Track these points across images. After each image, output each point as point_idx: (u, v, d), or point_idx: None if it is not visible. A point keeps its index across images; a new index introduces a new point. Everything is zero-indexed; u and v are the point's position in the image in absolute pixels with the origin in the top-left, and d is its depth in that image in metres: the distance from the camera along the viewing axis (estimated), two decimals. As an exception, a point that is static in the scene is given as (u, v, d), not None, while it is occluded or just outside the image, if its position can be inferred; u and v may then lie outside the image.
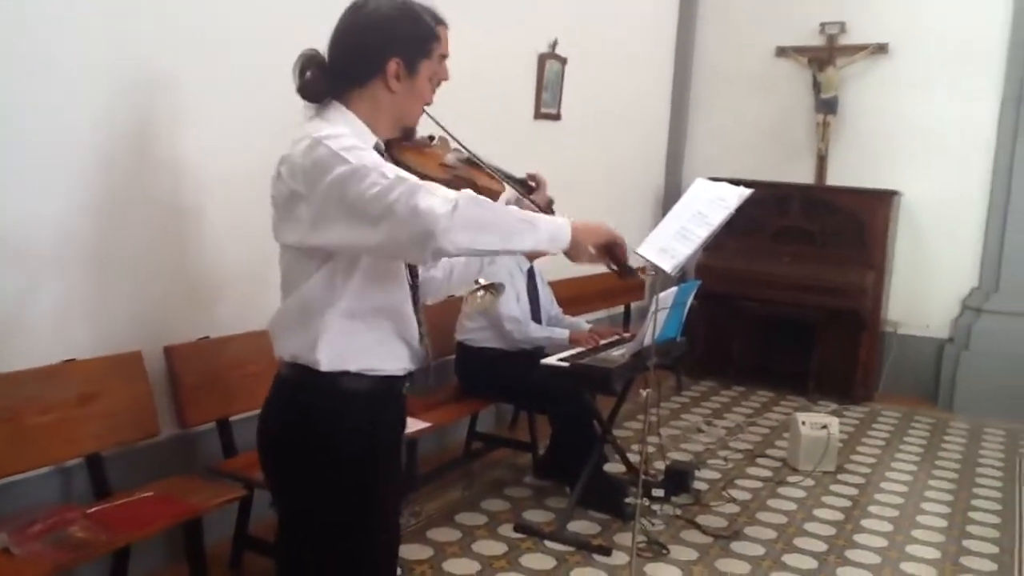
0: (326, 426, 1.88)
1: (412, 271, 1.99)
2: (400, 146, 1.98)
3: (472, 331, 4.33)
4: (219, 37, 3.35)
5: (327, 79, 1.86)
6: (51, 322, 2.91)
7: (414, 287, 1.99)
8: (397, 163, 1.91)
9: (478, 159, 2.03)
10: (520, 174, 2.15)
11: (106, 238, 3.05)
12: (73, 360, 2.93)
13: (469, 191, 1.74)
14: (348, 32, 1.88)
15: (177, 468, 3.26)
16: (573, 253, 1.86)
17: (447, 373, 4.58)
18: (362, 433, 1.90)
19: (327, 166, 1.71)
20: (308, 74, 1.86)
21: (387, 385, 1.94)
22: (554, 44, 5.65)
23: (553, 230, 1.80)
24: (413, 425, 3.83)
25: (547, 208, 2.15)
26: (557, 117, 5.79)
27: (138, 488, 2.99)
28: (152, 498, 2.92)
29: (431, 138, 2.05)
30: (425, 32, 1.89)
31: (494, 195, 2.03)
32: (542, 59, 5.59)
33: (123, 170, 3.09)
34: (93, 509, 2.78)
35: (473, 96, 4.79)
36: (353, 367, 1.87)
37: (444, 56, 1.95)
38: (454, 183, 1.93)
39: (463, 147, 2.02)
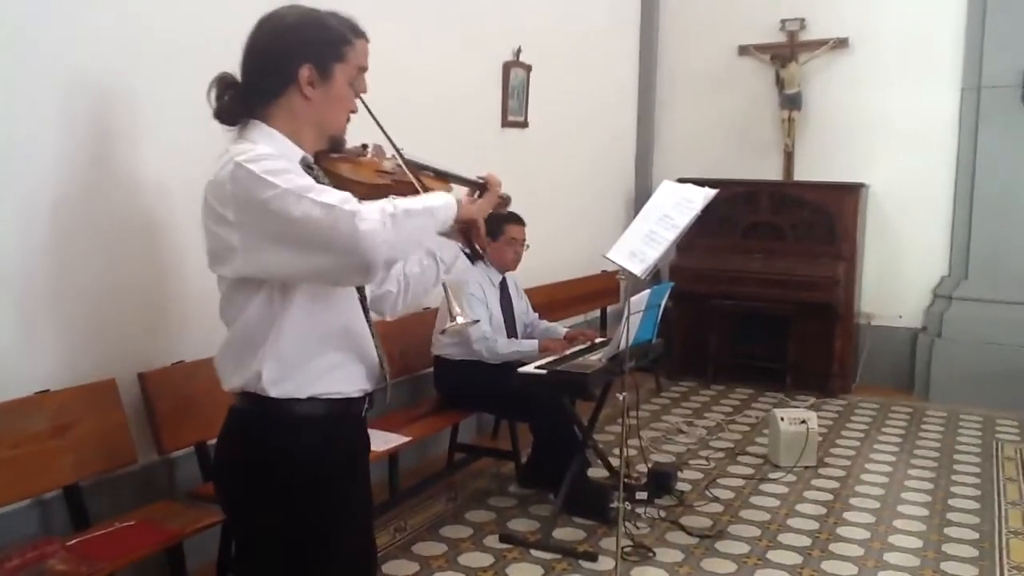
0: (278, 453, 1.82)
1: (359, 287, 1.93)
2: (330, 158, 1.91)
3: (447, 346, 4.32)
4: (177, 48, 3.31)
5: (242, 98, 1.82)
6: (21, 353, 2.87)
7: (363, 303, 1.94)
8: (329, 175, 1.87)
9: (419, 161, 1.97)
10: (469, 174, 2.07)
11: (71, 264, 3.01)
12: (46, 391, 2.89)
13: (386, 202, 1.70)
14: (256, 46, 1.83)
15: (156, 494, 3.23)
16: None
17: (426, 386, 4.58)
18: (315, 459, 1.83)
19: (253, 192, 1.65)
20: (224, 97, 1.83)
21: (343, 408, 1.88)
22: (518, 52, 5.67)
23: (446, 213, 1.83)
24: (392, 440, 3.82)
25: (503, 206, 2.09)
26: (524, 124, 5.80)
27: (118, 517, 2.95)
28: (132, 526, 2.89)
29: (364, 146, 1.98)
30: (334, 36, 1.84)
31: None
32: (507, 67, 5.60)
33: (84, 191, 3.04)
34: (73, 541, 2.75)
35: (439, 106, 4.80)
36: (304, 392, 1.81)
37: (363, 68, 1.91)
38: (395, 189, 1.90)
39: (399, 151, 1.94)
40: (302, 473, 1.83)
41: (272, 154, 1.72)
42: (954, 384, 6.32)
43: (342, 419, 1.89)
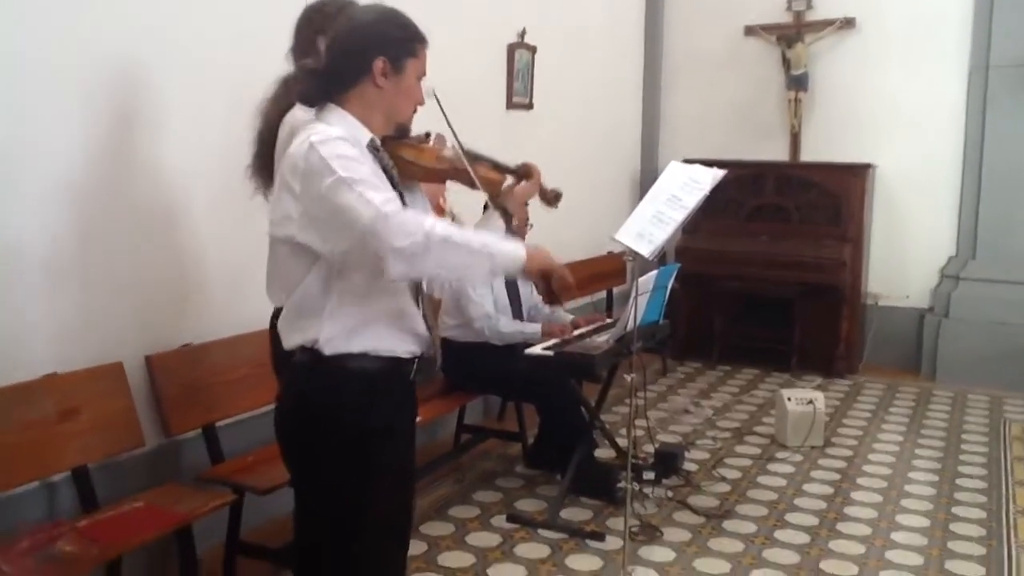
0: (325, 404, 1.99)
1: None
2: (395, 143, 2.09)
3: (452, 328, 4.31)
4: (194, 35, 3.31)
5: (322, 84, 2.02)
6: (28, 336, 2.88)
7: (418, 295, 2.08)
8: (394, 158, 2.05)
9: (476, 152, 2.17)
10: (513, 163, 2.27)
11: (78, 248, 3.02)
12: (54, 374, 2.90)
13: (438, 221, 1.87)
14: (337, 38, 2.05)
15: (165, 477, 3.24)
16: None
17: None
18: (361, 410, 1.99)
19: (316, 174, 1.84)
20: (307, 83, 2.06)
21: (392, 366, 2.03)
22: (522, 33, 5.63)
23: (507, 262, 1.94)
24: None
25: (554, 200, 2.33)
26: (529, 106, 5.77)
27: (126, 499, 2.96)
28: (141, 508, 2.90)
29: (427, 135, 2.18)
30: (410, 33, 2.04)
31: (494, 186, 2.21)
32: (511, 49, 5.57)
33: (96, 177, 3.05)
34: (82, 523, 2.76)
35: (444, 89, 4.77)
36: (356, 348, 1.97)
37: (421, 75, 2.07)
38: (450, 175, 2.17)
39: (459, 142, 2.14)
40: (349, 425, 1.99)
41: (344, 137, 1.91)
42: (961, 364, 6.30)
43: (390, 376, 2.03)
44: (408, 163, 2.09)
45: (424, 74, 2.09)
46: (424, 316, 2.10)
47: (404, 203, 1.99)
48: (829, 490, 4.33)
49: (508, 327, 4.26)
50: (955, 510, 4.11)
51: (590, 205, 6.53)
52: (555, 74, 5.95)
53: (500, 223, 2.23)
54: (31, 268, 2.87)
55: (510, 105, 5.61)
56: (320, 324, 1.95)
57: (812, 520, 3.97)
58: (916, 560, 3.60)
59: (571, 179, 6.22)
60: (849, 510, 4.09)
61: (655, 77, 7.63)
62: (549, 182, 2.33)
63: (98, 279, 3.09)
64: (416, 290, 2.08)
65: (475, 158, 2.18)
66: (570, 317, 4.59)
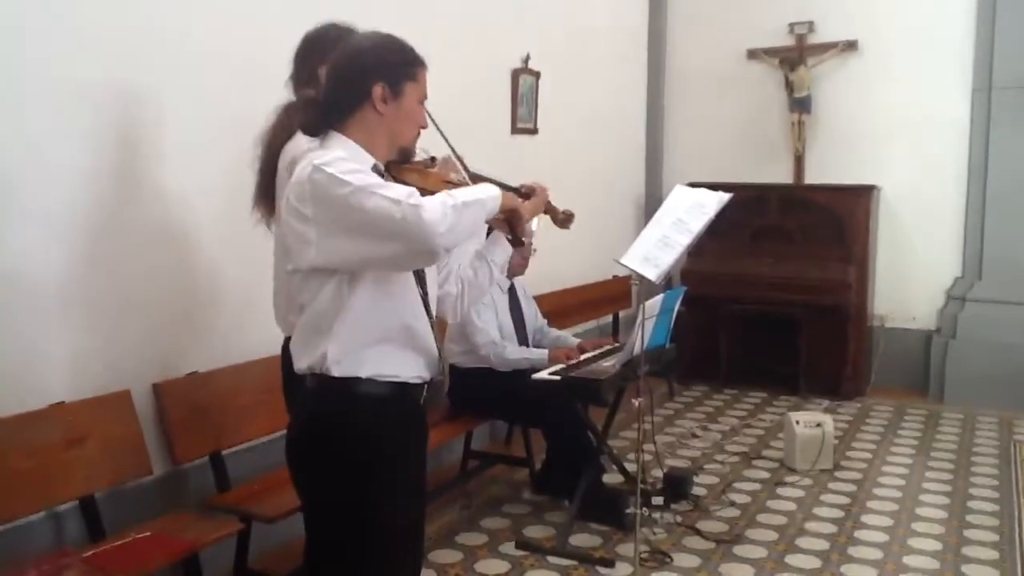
0: (334, 428, 2.00)
1: (421, 282, 2.08)
2: (400, 168, 2.10)
3: (458, 355, 4.30)
4: (196, 59, 3.34)
5: (323, 113, 2.04)
6: (35, 365, 2.88)
7: (425, 298, 2.09)
8: (398, 182, 2.03)
9: (480, 174, 2.19)
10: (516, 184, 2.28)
11: (85, 277, 3.02)
12: (61, 403, 2.89)
13: (444, 195, 1.90)
14: (336, 66, 2.06)
15: (172, 505, 3.23)
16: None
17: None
18: (370, 435, 2.00)
19: (330, 190, 1.85)
20: (308, 113, 2.06)
21: (401, 392, 2.03)
22: (526, 59, 5.67)
23: (494, 204, 2.02)
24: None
25: (565, 222, 2.38)
26: (534, 131, 5.80)
27: (133, 528, 2.95)
28: (148, 537, 2.88)
29: (432, 159, 2.18)
30: (408, 57, 2.05)
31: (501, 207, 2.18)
32: (515, 74, 5.61)
33: (101, 203, 3.06)
34: (89, 552, 2.74)
35: (449, 114, 4.77)
36: (365, 372, 1.98)
37: (422, 98, 2.09)
38: None
39: (463, 165, 2.18)
40: (360, 448, 2.00)
41: (345, 158, 1.92)
42: (969, 386, 6.27)
43: (399, 401, 2.04)
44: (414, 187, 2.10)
45: (425, 97, 2.10)
46: (432, 329, 2.09)
47: None
48: (840, 514, 4.29)
49: (514, 354, 4.24)
50: (967, 533, 4.07)
51: (595, 229, 6.53)
52: (559, 99, 5.98)
53: (506, 246, 2.26)
54: (38, 296, 2.87)
55: (514, 130, 5.63)
56: (328, 340, 1.96)
57: (823, 544, 3.94)
58: (929, 584, 3.57)
59: (576, 203, 6.21)
60: (860, 534, 4.06)
61: (658, 101, 7.66)
62: (558, 205, 2.34)
63: (104, 306, 3.09)
64: (426, 307, 2.09)
65: (481, 179, 2.19)
66: (576, 341, 4.58)
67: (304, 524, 2.13)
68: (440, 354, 2.12)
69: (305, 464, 2.07)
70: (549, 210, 2.31)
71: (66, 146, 2.94)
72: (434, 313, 2.14)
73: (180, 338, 3.38)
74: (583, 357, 4.21)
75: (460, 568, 3.68)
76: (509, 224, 2.17)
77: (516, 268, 4.44)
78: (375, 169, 2.01)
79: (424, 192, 2.05)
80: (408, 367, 2.05)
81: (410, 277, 2.05)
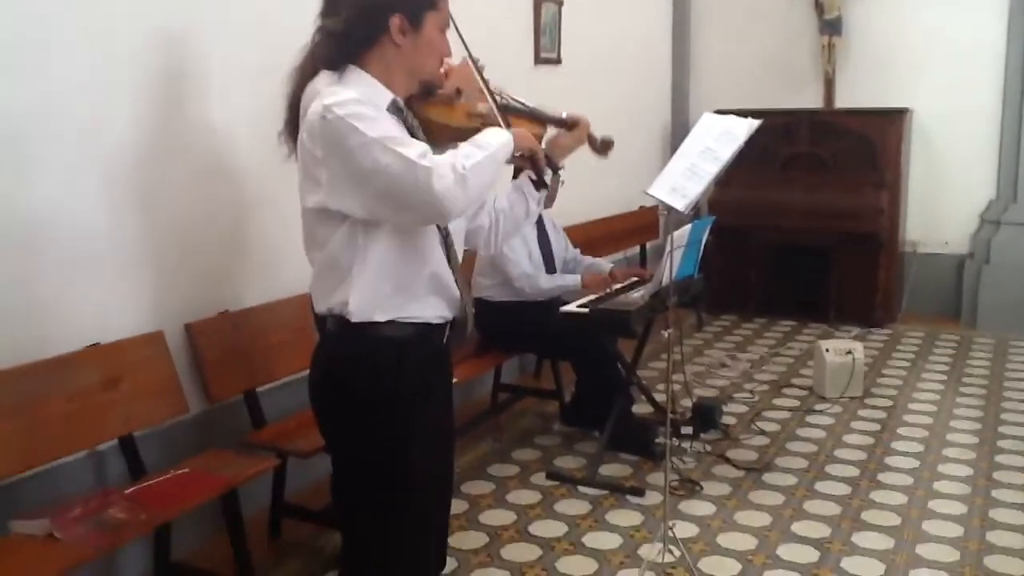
0: (358, 372, 1.97)
1: (446, 239, 2.02)
2: (422, 103, 2.01)
3: (488, 288, 4.31)
4: (248, 11, 3.31)
5: (340, 46, 1.93)
6: (70, 309, 2.91)
7: (446, 238, 2.02)
8: (421, 121, 1.98)
9: (512, 103, 2.09)
10: (558, 113, 2.19)
11: (115, 220, 3.03)
12: (96, 344, 2.94)
13: (456, 158, 1.82)
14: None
15: (209, 443, 3.28)
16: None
17: (468, 328, 4.58)
18: (391, 378, 1.96)
19: (341, 136, 1.78)
20: (325, 46, 1.95)
21: (424, 333, 2.00)
22: (549, -14, 5.54)
23: (506, 152, 1.94)
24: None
25: (603, 149, 2.28)
26: (558, 61, 5.70)
27: (172, 466, 3.01)
28: (187, 474, 2.95)
29: (458, 91, 2.06)
30: None
31: (537, 139, 2.11)
32: (538, 3, 5.48)
33: (133, 146, 3.06)
34: (131, 490, 2.80)
35: (471, 46, 4.72)
36: (384, 316, 1.94)
37: (444, 26, 2.00)
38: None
39: (490, 93, 2.05)
40: (379, 391, 1.97)
41: (359, 99, 1.83)
42: (1002, 311, 6.21)
43: (420, 343, 2.00)
44: (436, 124, 2.01)
45: (448, 25, 2.01)
46: (455, 279, 2.05)
47: None
48: (870, 441, 4.30)
49: (548, 283, 4.25)
50: (998, 458, 4.07)
51: (621, 160, 6.39)
52: (582, 28, 5.86)
53: (532, 188, 2.18)
54: (70, 240, 2.89)
55: (538, 60, 5.53)
56: (348, 289, 1.92)
57: (853, 471, 3.95)
58: (960, 509, 3.58)
59: (601, 133, 6.19)
60: (890, 460, 4.07)
61: (684, 27, 7.48)
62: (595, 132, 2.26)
63: (136, 248, 3.11)
64: (447, 249, 2.03)
65: (512, 111, 2.09)
66: (609, 267, 4.56)
67: (333, 467, 2.12)
68: (462, 295, 2.07)
69: (327, 407, 2.06)
70: (588, 139, 2.22)
71: (96, 93, 2.93)
72: (459, 252, 2.08)
73: (211, 278, 3.40)
74: (614, 287, 4.20)
75: (492, 499, 3.74)
76: (532, 165, 2.08)
77: (544, 200, 4.43)
78: (393, 106, 1.94)
79: (445, 130, 2.01)
80: (431, 309, 2.01)
81: (437, 249, 2.00)
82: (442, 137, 2.02)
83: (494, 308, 4.32)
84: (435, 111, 2.02)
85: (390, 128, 1.84)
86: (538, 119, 2.14)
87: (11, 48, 2.68)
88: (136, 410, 3.00)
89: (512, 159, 2.01)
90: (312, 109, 1.85)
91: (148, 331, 3.12)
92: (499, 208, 2.21)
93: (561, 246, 4.64)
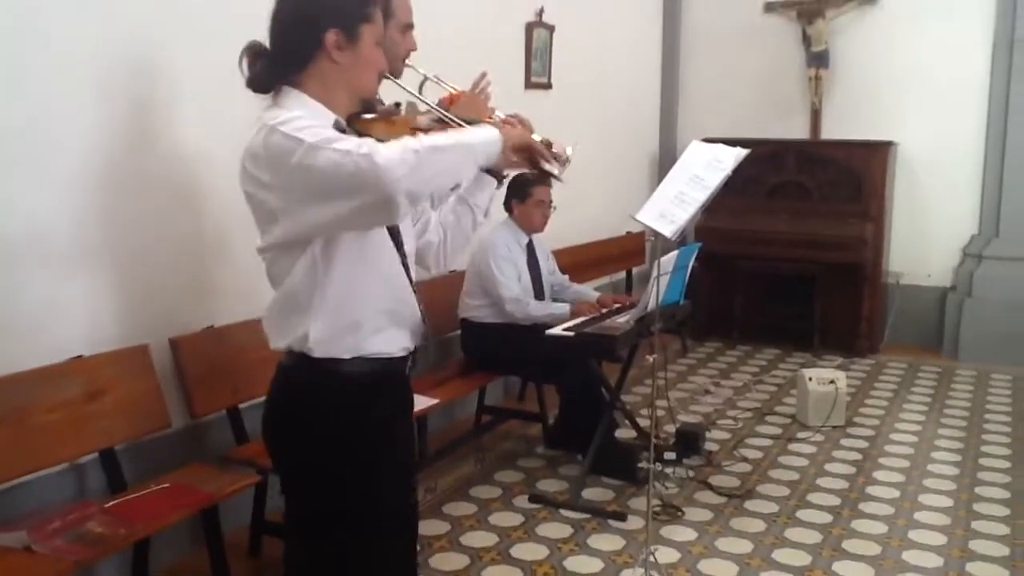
0: (321, 410, 1.87)
1: (398, 243, 1.93)
2: (363, 120, 1.92)
3: (475, 308, 4.33)
4: (215, 13, 3.30)
5: (273, 66, 1.83)
6: (54, 320, 2.90)
7: (404, 261, 1.94)
8: (362, 136, 1.84)
9: (452, 116, 2.01)
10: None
11: (103, 233, 3.03)
12: (80, 357, 2.92)
13: (410, 139, 1.71)
14: (281, 14, 1.83)
15: (190, 458, 3.27)
16: (500, 162, 1.92)
17: (453, 349, 4.59)
18: (357, 417, 1.87)
19: (286, 151, 1.68)
20: (256, 66, 1.84)
21: (386, 367, 1.91)
22: (540, 12, 5.60)
23: (486, 147, 1.83)
24: (421, 402, 3.83)
25: (547, 151, 2.08)
26: (548, 86, 5.74)
27: (153, 480, 3.00)
28: (168, 489, 2.93)
29: (397, 105, 2.01)
30: None
31: None
32: (529, 28, 5.54)
33: (119, 159, 3.06)
34: (110, 503, 2.79)
35: (462, 69, 4.74)
36: (347, 353, 1.85)
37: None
38: None
39: (430, 105, 2.00)
40: (343, 430, 1.87)
41: (302, 116, 1.74)
42: (984, 343, 6.26)
43: (385, 378, 1.91)
44: (381, 142, 1.91)
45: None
46: (414, 292, 1.96)
47: None
48: (851, 470, 4.32)
49: (538, 310, 4.26)
50: (978, 490, 4.09)
51: (609, 185, 6.51)
52: (573, 53, 5.91)
53: (489, 187, 2.12)
54: (57, 253, 2.89)
55: (528, 85, 5.58)
56: (308, 323, 1.82)
57: (834, 500, 3.96)
58: (939, 540, 3.59)
59: (590, 159, 6.22)
60: (871, 490, 4.08)
61: (674, 55, 7.57)
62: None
63: (122, 262, 3.11)
64: (405, 266, 1.94)
65: (452, 124, 2.01)
66: (596, 295, 4.58)
67: (287, 508, 1.97)
68: (424, 319, 1.98)
69: (283, 444, 1.94)
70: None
71: (82, 105, 2.94)
72: (413, 273, 1.99)
73: (197, 293, 3.40)
74: (604, 311, 4.22)
75: (474, 520, 3.72)
76: (530, 161, 1.97)
77: (537, 225, 4.46)
78: (336, 125, 1.83)
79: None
80: (394, 343, 1.92)
81: (387, 244, 1.90)
82: None
83: (480, 329, 4.34)
84: (377, 128, 1.92)
85: (329, 132, 1.73)
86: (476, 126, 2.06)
87: (12, 72, 2.69)
88: (118, 423, 2.99)
89: (509, 163, 1.94)
90: (254, 134, 1.76)
91: (133, 344, 3.10)
92: (446, 223, 2.12)
93: (549, 271, 4.67)
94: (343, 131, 1.83)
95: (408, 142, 1.69)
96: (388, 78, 2.01)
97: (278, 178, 1.72)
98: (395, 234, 1.92)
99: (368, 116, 1.93)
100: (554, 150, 2.14)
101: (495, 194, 2.15)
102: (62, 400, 2.83)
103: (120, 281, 3.11)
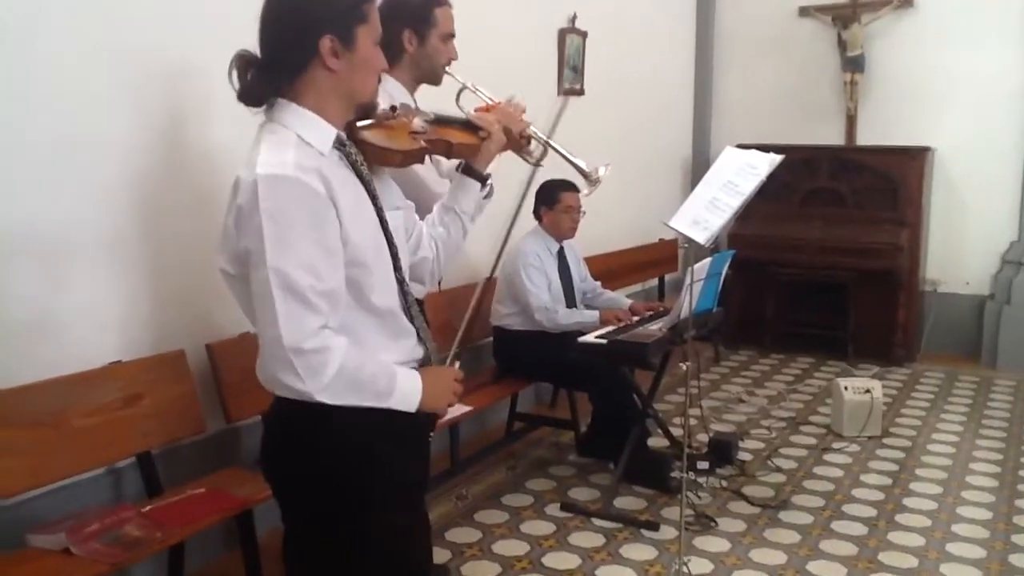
0: (321, 442, 1.74)
1: (397, 269, 1.83)
2: (362, 128, 1.86)
3: (506, 316, 4.33)
4: (242, 19, 3.32)
5: (265, 76, 1.73)
6: (94, 325, 2.94)
7: (403, 289, 1.85)
8: (362, 147, 1.83)
9: (446, 116, 2.02)
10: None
11: (141, 239, 3.08)
12: (119, 362, 2.96)
13: (356, 357, 1.69)
14: (271, 21, 1.73)
15: (225, 462, 3.30)
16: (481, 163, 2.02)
17: (485, 356, 4.59)
18: (362, 465, 1.76)
19: (258, 242, 1.63)
20: (247, 77, 1.74)
21: (391, 415, 1.77)
22: (573, 18, 5.60)
23: (405, 397, 1.77)
24: (454, 410, 3.84)
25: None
26: (581, 92, 5.74)
27: (188, 484, 3.02)
28: (203, 493, 2.96)
29: (393, 108, 1.96)
30: None
31: (472, 150, 2.06)
32: (562, 34, 5.54)
33: (155, 166, 3.10)
34: (147, 507, 2.82)
35: (496, 75, 4.74)
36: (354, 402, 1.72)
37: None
38: (429, 149, 1.99)
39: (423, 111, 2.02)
40: (346, 462, 1.76)
41: (299, 174, 1.64)
42: (1023, 352, 6.14)
43: (391, 424, 1.77)
44: (381, 150, 1.87)
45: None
46: (412, 320, 1.86)
47: (375, 200, 1.78)
48: (887, 481, 4.26)
49: (567, 318, 4.25)
50: (1018, 503, 4.01)
51: (641, 191, 6.49)
52: (606, 59, 5.91)
53: (473, 191, 2.06)
54: (95, 259, 2.94)
55: (561, 91, 5.58)
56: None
57: (870, 511, 3.91)
58: (978, 553, 3.53)
59: (623, 165, 6.20)
60: (908, 501, 4.02)
61: (707, 61, 7.53)
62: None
63: (159, 268, 3.15)
64: (403, 291, 1.84)
65: (446, 122, 2.02)
66: (628, 302, 4.57)
67: (288, 541, 1.92)
68: (427, 346, 1.89)
69: (289, 481, 1.83)
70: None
71: (119, 114, 2.98)
72: (412, 293, 1.88)
73: (232, 299, 3.41)
74: (635, 319, 4.20)
75: (505, 528, 3.72)
76: (515, 146, 2.10)
77: (566, 231, 4.46)
78: (337, 141, 1.75)
79: (392, 155, 1.89)
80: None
81: (389, 274, 1.80)
82: (389, 162, 1.93)
83: (511, 336, 4.34)
84: (376, 134, 1.87)
85: (305, 256, 1.62)
86: (471, 128, 2.08)
87: (49, 79, 2.73)
88: (155, 428, 3.02)
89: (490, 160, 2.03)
90: (247, 171, 1.68)
91: (170, 350, 3.14)
92: (438, 236, 2.05)
93: (581, 277, 4.66)
94: (343, 144, 1.77)
95: (340, 365, 1.65)
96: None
97: (241, 240, 1.68)
98: (395, 257, 1.84)
99: (365, 123, 1.87)
100: (586, 169, 2.18)
101: (481, 200, 2.10)
102: (100, 404, 2.87)
103: (157, 287, 3.15)
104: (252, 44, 1.76)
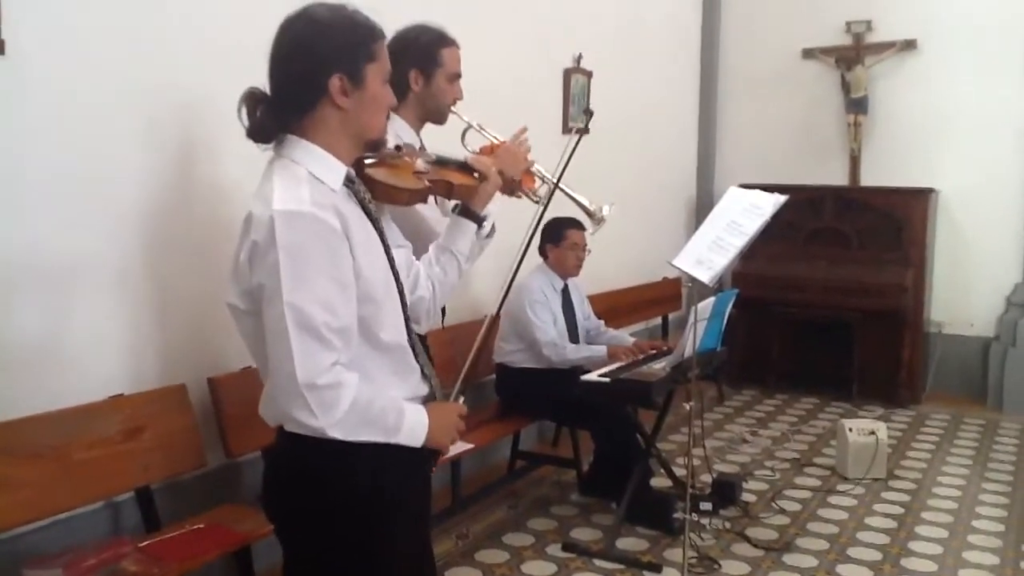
0: (328, 479, 1.74)
1: (404, 306, 1.86)
2: (369, 166, 1.88)
3: (510, 353, 4.33)
4: (253, 57, 3.36)
5: (275, 113, 1.74)
6: (95, 358, 2.94)
7: (408, 326, 1.86)
8: (371, 184, 1.85)
9: (446, 157, 2.06)
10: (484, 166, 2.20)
11: (144, 272, 3.09)
12: (120, 395, 2.96)
13: (368, 391, 1.71)
14: (281, 59, 1.74)
15: (225, 497, 3.27)
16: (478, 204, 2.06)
17: (488, 393, 4.57)
18: (370, 498, 1.76)
19: (274, 277, 1.64)
20: (256, 114, 1.75)
21: (398, 449, 1.77)
22: (579, 58, 5.65)
23: (412, 433, 1.77)
24: (456, 447, 3.81)
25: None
26: (585, 131, 5.76)
27: (187, 519, 3.00)
28: (202, 529, 2.94)
29: (398, 148, 2.01)
30: (363, 33, 1.75)
31: (471, 191, 2.09)
32: (567, 74, 5.59)
33: (164, 199, 3.13)
34: (145, 542, 2.80)
35: (500, 113, 4.77)
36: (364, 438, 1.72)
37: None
38: (433, 189, 2.03)
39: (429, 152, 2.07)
40: (354, 499, 1.77)
41: (314, 210, 1.65)
42: (1029, 395, 6.12)
43: (398, 458, 1.78)
44: (389, 188, 1.90)
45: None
46: (418, 359, 1.88)
47: (383, 237, 1.81)
48: (892, 524, 4.21)
49: (575, 353, 4.26)
50: (1026, 547, 3.97)
51: (645, 230, 6.51)
52: (611, 98, 5.95)
53: (469, 231, 2.08)
54: (99, 291, 2.94)
55: (566, 130, 5.62)
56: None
57: (875, 555, 3.86)
58: (985, 599, 3.49)
59: (627, 204, 6.19)
60: (914, 545, 3.98)
61: (711, 101, 7.59)
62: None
63: (164, 301, 3.16)
64: (409, 331, 1.86)
65: (446, 163, 2.05)
66: (632, 340, 4.56)
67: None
68: (432, 383, 1.91)
69: (295, 515, 1.81)
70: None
71: (130, 148, 3.01)
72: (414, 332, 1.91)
73: (235, 333, 3.41)
74: (640, 357, 4.19)
75: (506, 568, 3.68)
76: (509, 190, 2.19)
77: (571, 268, 4.47)
78: (347, 178, 1.77)
79: (399, 193, 1.92)
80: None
81: (398, 312, 1.82)
82: (397, 200, 1.96)
83: (515, 373, 4.33)
84: (383, 172, 1.90)
85: (321, 293, 1.64)
86: (468, 169, 2.11)
87: (58, 112, 2.76)
88: (155, 462, 3.01)
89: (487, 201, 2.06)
90: (261, 206, 1.68)
91: (172, 383, 3.13)
92: (434, 276, 2.04)
93: (583, 315, 4.66)
94: (352, 181, 1.78)
95: (352, 400, 1.66)
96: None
97: (255, 275, 1.69)
98: (403, 298, 1.86)
99: (371, 161, 1.90)
100: (590, 208, 2.21)
101: (481, 241, 2.12)
102: (102, 437, 2.86)
103: (161, 319, 3.15)
104: (262, 80, 1.77)
